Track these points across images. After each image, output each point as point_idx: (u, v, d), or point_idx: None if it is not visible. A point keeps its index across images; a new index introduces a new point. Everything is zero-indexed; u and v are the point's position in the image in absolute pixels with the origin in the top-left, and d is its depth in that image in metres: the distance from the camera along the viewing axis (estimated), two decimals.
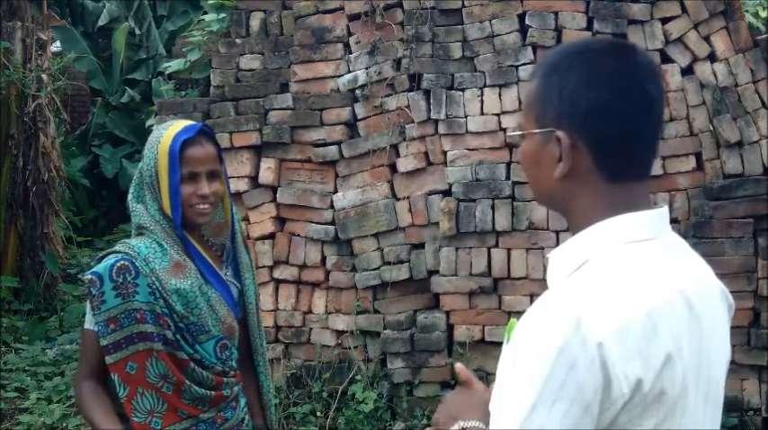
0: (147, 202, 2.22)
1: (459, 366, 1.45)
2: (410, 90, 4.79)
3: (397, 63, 4.81)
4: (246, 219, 4.95)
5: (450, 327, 4.76)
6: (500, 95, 4.69)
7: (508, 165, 4.68)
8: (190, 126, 2.20)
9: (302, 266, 4.91)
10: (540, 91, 1.25)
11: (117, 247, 2.22)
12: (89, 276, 2.16)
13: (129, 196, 2.26)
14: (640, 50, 1.26)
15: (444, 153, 4.75)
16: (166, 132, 2.19)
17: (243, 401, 2.38)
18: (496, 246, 4.69)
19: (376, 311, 4.85)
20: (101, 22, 11.12)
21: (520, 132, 1.29)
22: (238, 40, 4.97)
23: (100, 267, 2.17)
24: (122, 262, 2.16)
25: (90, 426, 2.18)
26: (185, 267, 2.20)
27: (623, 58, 1.22)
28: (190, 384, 2.19)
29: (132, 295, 2.14)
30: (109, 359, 2.14)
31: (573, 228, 1.26)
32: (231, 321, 2.29)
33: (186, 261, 2.21)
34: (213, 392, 2.24)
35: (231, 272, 2.35)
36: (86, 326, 2.20)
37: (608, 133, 1.20)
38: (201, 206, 2.19)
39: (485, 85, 4.70)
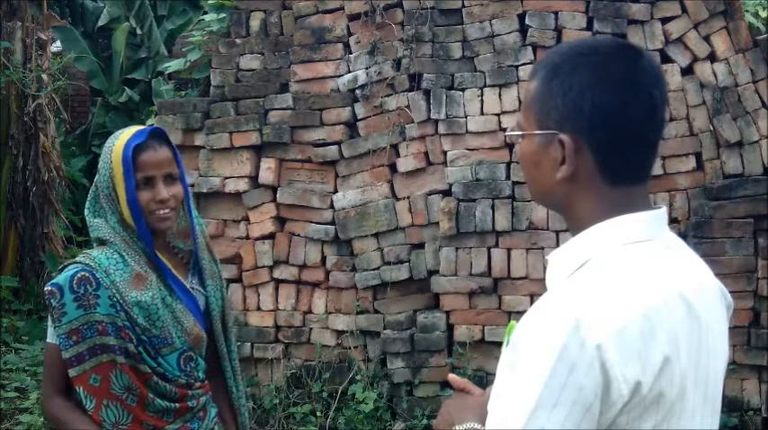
0: (106, 215, 2.16)
1: (451, 376, 1.46)
2: (410, 90, 4.79)
3: (397, 63, 4.80)
4: (246, 219, 4.96)
5: (450, 327, 4.76)
6: (500, 95, 4.69)
7: (508, 165, 4.68)
8: (141, 131, 2.14)
9: (302, 266, 4.91)
10: (542, 92, 1.24)
11: (78, 258, 2.17)
12: (49, 288, 2.10)
13: (86, 211, 2.19)
14: (645, 53, 1.25)
15: (444, 153, 4.75)
16: (118, 141, 2.13)
17: (213, 412, 2.32)
18: (496, 246, 4.69)
19: (376, 311, 4.85)
20: (101, 22, 11.11)
21: (520, 133, 1.28)
22: (238, 40, 4.97)
23: (60, 278, 2.11)
24: (83, 273, 2.10)
25: None
26: (146, 279, 2.14)
27: (629, 63, 1.21)
28: (153, 397, 2.14)
29: (94, 307, 2.08)
30: (72, 372, 2.09)
31: (572, 229, 1.26)
32: (198, 331, 2.23)
33: (148, 272, 2.15)
34: (177, 404, 2.18)
35: (197, 280, 2.29)
36: (48, 339, 2.15)
37: (612, 137, 1.19)
38: (162, 211, 2.13)
39: (485, 85, 4.70)
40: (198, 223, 2.29)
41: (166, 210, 2.14)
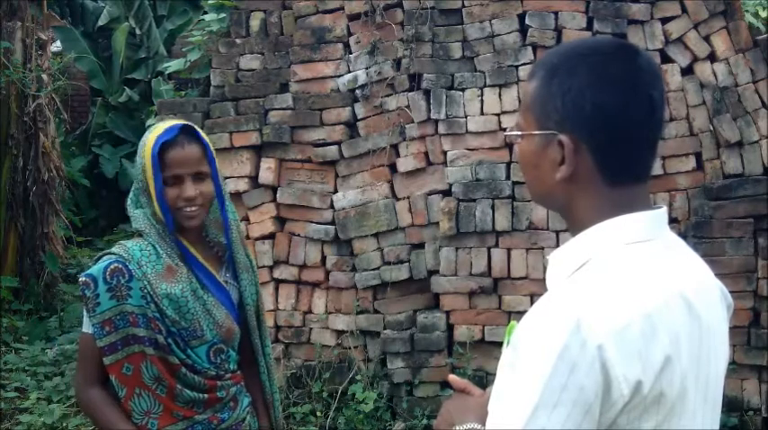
0: (144, 208, 2.21)
1: (452, 377, 1.46)
2: (410, 90, 4.79)
3: (397, 63, 4.81)
4: (246, 218, 4.95)
5: (450, 327, 4.76)
6: (500, 95, 4.69)
7: (508, 165, 4.68)
8: (171, 127, 2.16)
9: (302, 266, 4.91)
10: (541, 92, 1.24)
11: (113, 249, 2.21)
12: (83, 278, 2.15)
13: (129, 202, 2.24)
14: (643, 53, 1.25)
15: (444, 153, 4.75)
16: (150, 135, 2.16)
17: (246, 401, 2.36)
18: (496, 246, 4.69)
19: (376, 311, 4.85)
20: (101, 22, 11.11)
21: (519, 133, 1.28)
22: (238, 40, 4.97)
23: (94, 269, 2.16)
24: (116, 264, 2.14)
25: None
26: (177, 272, 2.18)
27: (628, 62, 1.21)
28: (182, 388, 2.18)
29: (126, 298, 2.13)
30: (106, 360, 2.14)
31: (572, 229, 1.26)
32: (230, 324, 2.27)
33: (179, 266, 2.19)
34: (206, 395, 2.22)
35: (231, 273, 2.32)
36: (84, 329, 2.19)
37: (611, 138, 1.19)
38: (188, 209, 2.16)
39: (485, 85, 4.70)
40: (233, 219, 2.31)
41: (193, 208, 2.16)
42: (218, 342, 2.24)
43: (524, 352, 1.11)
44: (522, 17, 4.69)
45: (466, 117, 4.72)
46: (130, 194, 2.25)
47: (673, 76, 4.55)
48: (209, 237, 2.29)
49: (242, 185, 4.91)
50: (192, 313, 2.18)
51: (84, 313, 2.17)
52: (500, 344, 1.25)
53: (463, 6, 4.72)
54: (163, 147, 2.12)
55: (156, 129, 2.16)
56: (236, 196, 4.93)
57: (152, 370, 2.15)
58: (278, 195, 4.91)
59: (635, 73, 1.20)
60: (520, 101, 4.57)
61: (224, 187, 2.29)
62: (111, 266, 2.14)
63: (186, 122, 2.21)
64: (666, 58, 4.58)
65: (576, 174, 1.21)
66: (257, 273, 2.43)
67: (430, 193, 4.77)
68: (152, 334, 2.14)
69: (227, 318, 2.25)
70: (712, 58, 4.56)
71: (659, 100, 1.22)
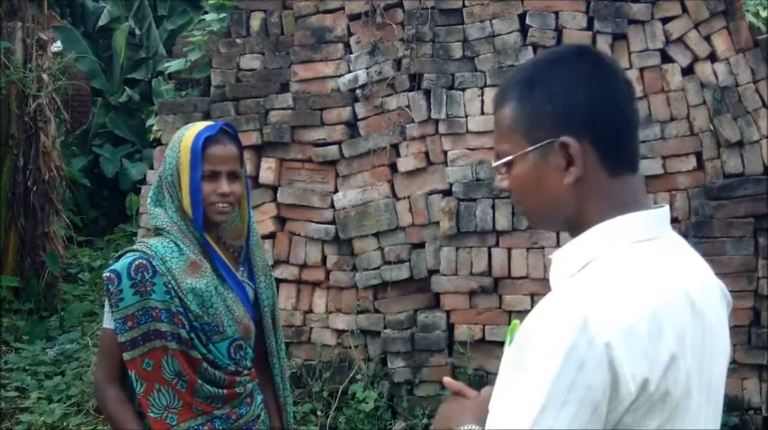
0: (165, 205, 2.23)
1: (446, 379, 1.45)
2: (410, 90, 4.79)
3: (398, 63, 4.81)
4: None
5: (450, 327, 4.76)
6: None
7: None
8: (213, 125, 2.24)
9: (303, 266, 4.91)
10: (523, 107, 1.24)
11: (135, 246, 2.24)
12: (107, 274, 2.17)
13: (148, 200, 2.27)
14: (601, 53, 1.32)
15: (445, 153, 4.76)
16: (188, 132, 2.21)
17: (259, 398, 2.38)
18: (497, 245, 4.69)
19: (376, 311, 4.85)
20: (101, 22, 11.11)
21: (511, 156, 1.25)
22: (239, 40, 4.98)
23: (118, 265, 2.18)
24: (140, 260, 2.17)
25: None
26: (201, 267, 2.21)
27: (592, 61, 1.25)
28: (202, 383, 2.20)
29: (149, 293, 2.15)
30: (126, 356, 2.15)
31: (575, 229, 1.25)
32: (247, 322, 2.29)
33: (202, 261, 2.22)
34: (226, 390, 2.25)
35: (246, 273, 2.36)
36: (105, 324, 2.21)
37: (608, 127, 1.21)
38: (221, 205, 2.20)
39: (485, 85, 4.70)
40: (253, 223, 2.36)
41: (225, 205, 2.21)
42: (238, 338, 2.27)
43: (531, 351, 1.10)
44: (522, 17, 4.69)
45: (466, 117, 4.72)
46: (150, 192, 2.28)
47: (673, 76, 4.55)
48: (223, 239, 2.32)
49: None
50: (215, 308, 2.21)
51: (106, 308, 2.19)
52: (501, 344, 1.25)
53: (463, 6, 4.73)
54: (204, 143, 2.17)
55: (197, 126, 2.23)
56: None
57: (173, 365, 2.17)
58: (278, 195, 4.92)
59: (603, 68, 1.25)
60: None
61: (249, 191, 2.34)
62: (137, 262, 2.17)
63: (226, 122, 2.29)
64: (667, 58, 4.58)
65: (582, 173, 1.22)
66: (273, 277, 2.46)
67: (430, 193, 4.77)
68: (175, 328, 2.16)
69: (245, 316, 2.29)
70: (713, 57, 4.56)
71: (632, 88, 1.28)
